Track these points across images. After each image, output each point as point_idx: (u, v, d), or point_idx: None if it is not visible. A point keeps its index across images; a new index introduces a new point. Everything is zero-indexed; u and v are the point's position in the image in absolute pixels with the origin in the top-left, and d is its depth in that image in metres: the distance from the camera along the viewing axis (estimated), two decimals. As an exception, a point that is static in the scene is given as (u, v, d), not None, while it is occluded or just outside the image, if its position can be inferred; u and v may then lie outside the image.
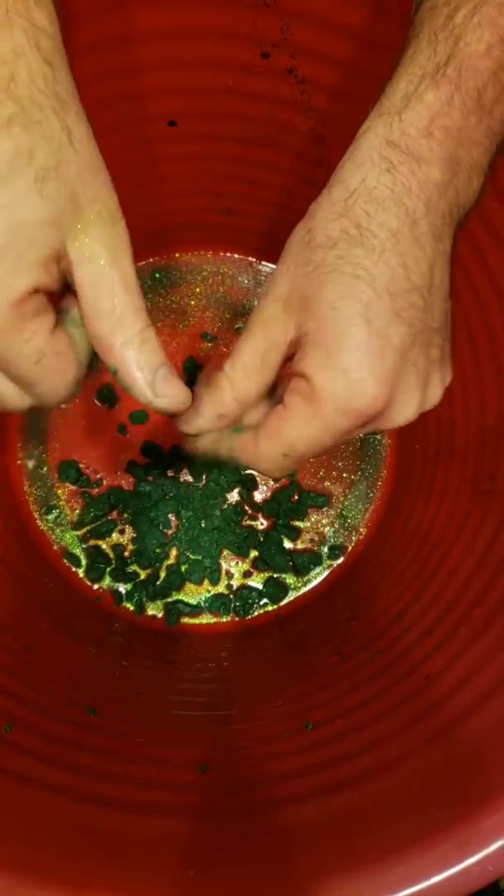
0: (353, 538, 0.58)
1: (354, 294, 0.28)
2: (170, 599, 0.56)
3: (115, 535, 0.57)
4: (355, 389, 0.28)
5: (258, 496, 0.58)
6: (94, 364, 0.30)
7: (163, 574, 0.56)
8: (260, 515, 0.57)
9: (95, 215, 0.26)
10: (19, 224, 0.24)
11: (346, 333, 0.28)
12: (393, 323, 0.28)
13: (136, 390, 0.29)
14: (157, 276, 0.60)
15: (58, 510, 0.57)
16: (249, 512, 0.57)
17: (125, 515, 0.57)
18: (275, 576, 0.56)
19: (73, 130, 0.26)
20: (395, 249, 0.27)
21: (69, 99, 0.26)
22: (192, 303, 0.60)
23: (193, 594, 0.56)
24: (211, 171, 0.51)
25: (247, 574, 0.56)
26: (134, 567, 0.56)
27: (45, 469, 0.58)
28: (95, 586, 0.56)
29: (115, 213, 0.27)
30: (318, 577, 0.57)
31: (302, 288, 0.29)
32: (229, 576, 0.56)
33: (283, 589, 0.56)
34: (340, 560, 0.57)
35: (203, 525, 0.56)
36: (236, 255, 0.60)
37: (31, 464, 0.58)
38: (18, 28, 0.24)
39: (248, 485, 0.57)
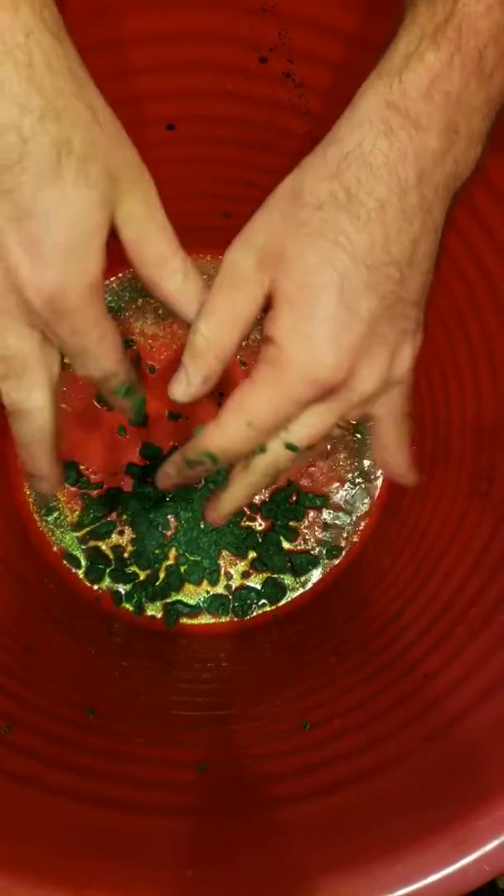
0: (351, 539, 0.58)
1: (332, 262, 0.27)
2: (169, 600, 0.56)
3: (114, 537, 0.57)
4: (319, 359, 0.28)
5: (256, 497, 0.58)
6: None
7: (162, 575, 0.56)
8: (258, 516, 0.57)
9: (128, 181, 0.28)
10: (78, 217, 0.26)
11: (317, 302, 0.28)
12: (365, 295, 0.28)
13: (182, 313, 0.31)
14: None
15: (58, 511, 0.57)
16: (248, 513, 0.57)
17: (125, 517, 0.57)
18: (273, 576, 0.57)
19: (94, 105, 0.26)
20: (381, 220, 0.27)
21: (81, 73, 0.26)
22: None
23: (192, 595, 0.56)
24: (209, 174, 0.51)
25: (245, 575, 0.57)
26: (133, 568, 0.56)
27: (45, 470, 0.58)
28: (95, 587, 0.56)
29: (142, 169, 0.29)
30: (316, 577, 0.57)
31: (280, 244, 0.29)
32: (228, 576, 0.57)
33: (282, 589, 0.56)
34: (338, 561, 0.57)
35: (202, 526, 0.57)
36: (235, 257, 0.60)
37: (30, 465, 0.58)
38: (23, 3, 0.24)
39: (247, 486, 0.57)
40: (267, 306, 0.30)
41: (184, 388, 0.32)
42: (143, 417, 0.57)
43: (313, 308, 0.28)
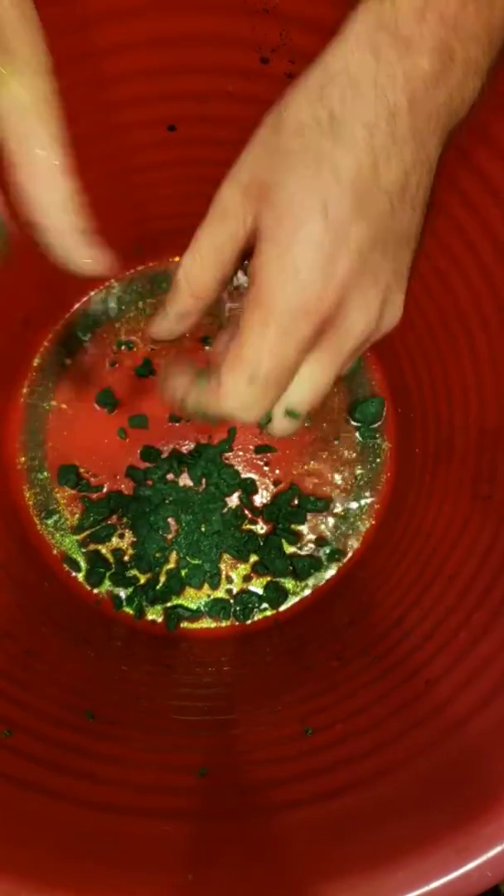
0: (353, 542, 0.58)
1: (316, 187, 0.26)
2: (169, 604, 0.56)
3: (114, 540, 0.57)
4: (307, 288, 0.27)
5: (258, 500, 0.58)
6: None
7: (162, 578, 0.56)
8: (260, 520, 0.57)
9: (24, 62, 0.25)
10: None
11: (301, 228, 0.26)
12: (354, 221, 0.26)
13: (57, 250, 0.28)
14: (157, 281, 0.60)
15: (57, 514, 0.57)
16: (249, 516, 0.57)
17: (125, 520, 0.57)
18: (275, 580, 0.56)
19: None
20: (368, 145, 0.25)
21: None
22: (192, 307, 0.60)
23: (193, 599, 0.56)
24: (210, 176, 0.51)
25: (247, 578, 0.56)
26: (134, 571, 0.56)
27: (45, 473, 0.58)
28: (95, 591, 0.56)
29: (44, 64, 0.25)
30: (318, 581, 0.57)
31: (264, 175, 0.27)
32: (229, 580, 0.56)
33: (283, 593, 0.56)
34: (340, 564, 0.57)
35: (203, 529, 0.56)
36: (236, 260, 0.60)
37: (30, 468, 0.58)
38: None
39: (248, 489, 0.57)
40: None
41: (159, 322, 0.31)
42: (143, 420, 0.57)
43: (296, 237, 0.26)
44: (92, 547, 0.56)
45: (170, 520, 0.57)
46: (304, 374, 0.30)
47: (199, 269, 0.30)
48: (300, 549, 0.57)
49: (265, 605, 0.56)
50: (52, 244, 0.27)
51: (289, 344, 0.28)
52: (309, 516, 0.57)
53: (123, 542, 0.57)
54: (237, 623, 0.56)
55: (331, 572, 0.57)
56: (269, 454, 0.58)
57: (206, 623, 0.56)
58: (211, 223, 0.29)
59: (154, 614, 0.55)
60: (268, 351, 0.28)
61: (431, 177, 0.28)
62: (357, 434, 0.59)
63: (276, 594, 0.56)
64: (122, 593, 0.56)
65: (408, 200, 0.27)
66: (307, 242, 0.26)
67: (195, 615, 0.55)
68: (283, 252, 0.27)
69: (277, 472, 0.58)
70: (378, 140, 0.25)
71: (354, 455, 0.59)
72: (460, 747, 0.33)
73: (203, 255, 0.29)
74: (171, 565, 0.56)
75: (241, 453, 0.58)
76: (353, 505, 0.58)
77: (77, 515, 0.57)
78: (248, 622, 0.56)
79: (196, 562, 0.56)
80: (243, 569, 0.56)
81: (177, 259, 0.60)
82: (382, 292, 0.29)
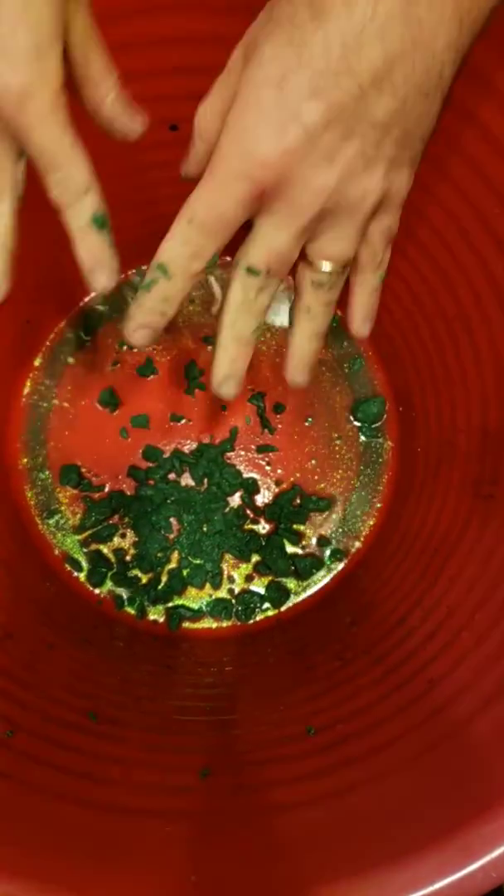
0: (355, 542, 0.58)
1: (281, 57, 0.27)
2: (171, 604, 0.56)
3: (116, 540, 0.57)
4: (248, 150, 0.28)
5: (260, 500, 0.58)
6: None
7: (164, 578, 0.56)
8: (262, 519, 0.57)
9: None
10: (41, 22, 0.26)
11: (256, 96, 0.27)
12: (308, 98, 0.27)
13: (117, 130, 0.33)
14: (159, 280, 0.60)
15: (59, 514, 0.57)
16: (251, 516, 0.57)
17: (126, 520, 0.57)
18: (277, 580, 0.56)
19: None
20: (343, 24, 0.25)
21: None
22: (193, 307, 0.60)
23: (195, 598, 0.56)
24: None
25: (249, 578, 0.56)
26: (135, 571, 0.56)
27: (47, 473, 0.58)
28: (97, 591, 0.56)
29: None
30: (320, 581, 0.57)
31: (257, 37, 0.28)
32: (231, 580, 0.56)
33: (285, 593, 0.56)
34: (342, 564, 0.57)
35: (205, 529, 0.56)
36: (238, 260, 0.60)
37: (32, 468, 0.58)
38: None
39: (250, 489, 0.57)
40: None
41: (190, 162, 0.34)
42: (145, 420, 0.57)
43: (249, 103, 0.28)
44: (94, 547, 0.56)
45: (172, 519, 0.57)
46: (257, 234, 0.32)
47: (210, 115, 0.31)
48: (302, 548, 0.57)
49: (267, 605, 0.56)
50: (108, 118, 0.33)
51: (225, 198, 0.29)
52: (311, 516, 0.57)
53: (125, 541, 0.57)
54: (239, 623, 0.56)
55: (333, 572, 0.57)
56: (270, 454, 0.58)
57: (208, 623, 0.56)
58: (222, 78, 0.31)
59: (156, 614, 0.55)
60: (205, 200, 0.30)
61: (442, 75, 0.27)
62: (359, 434, 0.59)
63: (277, 594, 0.56)
64: (124, 593, 0.56)
65: (387, 89, 0.27)
66: (257, 111, 0.27)
67: (197, 615, 0.55)
68: (239, 115, 0.28)
69: (279, 471, 0.58)
70: (355, 20, 0.25)
71: (356, 455, 0.59)
72: (463, 747, 0.33)
73: (214, 103, 0.31)
74: (173, 565, 0.56)
75: (242, 453, 0.58)
76: (355, 505, 0.58)
77: (79, 515, 0.57)
78: (250, 622, 0.56)
79: (198, 562, 0.56)
80: (245, 569, 0.56)
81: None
82: (341, 171, 0.29)
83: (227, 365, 0.35)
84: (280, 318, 0.60)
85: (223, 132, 0.29)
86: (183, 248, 0.32)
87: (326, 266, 0.33)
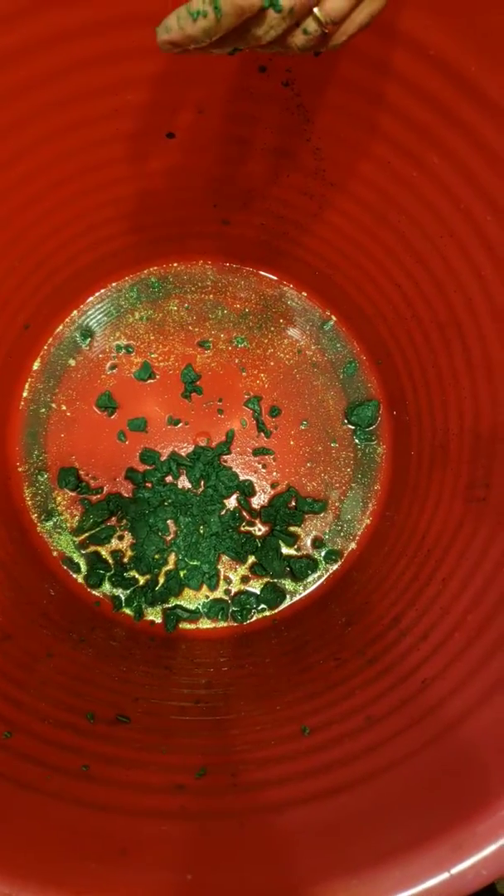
0: (350, 544, 0.58)
1: None
2: (168, 605, 0.56)
3: (114, 542, 0.57)
4: None
5: (256, 502, 0.58)
6: None
7: (161, 580, 0.56)
8: (258, 521, 0.58)
9: None
10: None
11: None
12: None
13: None
14: (156, 285, 0.60)
15: (57, 516, 0.57)
16: (247, 518, 0.58)
17: (124, 522, 0.57)
18: (272, 581, 0.57)
19: None
20: None
21: None
22: (191, 311, 0.60)
23: (192, 600, 0.56)
24: (208, 182, 0.52)
25: (245, 579, 0.57)
26: (133, 573, 0.56)
27: (45, 476, 0.58)
28: (95, 592, 0.56)
29: None
30: (315, 582, 0.57)
31: None
32: (227, 581, 0.57)
33: (281, 594, 0.56)
34: (337, 566, 0.57)
35: (201, 531, 0.57)
36: (234, 265, 0.61)
37: (30, 470, 0.58)
38: None
39: (246, 491, 0.58)
40: None
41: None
42: (142, 423, 0.58)
43: None
44: (91, 548, 0.57)
45: (169, 522, 0.57)
46: None
47: None
48: (297, 550, 0.58)
49: (263, 605, 0.56)
50: None
51: None
52: (306, 518, 0.58)
53: (123, 543, 0.57)
54: (235, 624, 0.56)
55: (328, 573, 0.57)
56: (266, 456, 0.59)
57: (205, 624, 0.56)
58: None
59: (153, 615, 0.56)
60: None
61: None
62: (353, 437, 0.59)
63: (273, 595, 0.56)
64: (122, 594, 0.56)
65: None
66: None
67: (194, 616, 0.56)
68: None
69: (275, 474, 0.59)
70: None
71: (351, 457, 0.59)
72: (456, 746, 0.33)
73: None
74: (170, 566, 0.57)
75: (238, 456, 0.59)
76: (350, 507, 0.58)
77: (77, 517, 0.57)
78: (246, 623, 0.56)
79: (195, 563, 0.56)
80: (241, 570, 0.57)
81: (175, 265, 0.60)
82: None
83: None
84: (273, 320, 0.60)
85: None
86: None
87: None
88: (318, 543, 0.58)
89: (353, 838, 0.30)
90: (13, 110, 0.40)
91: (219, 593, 0.57)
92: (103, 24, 0.38)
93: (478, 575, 0.42)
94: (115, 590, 0.56)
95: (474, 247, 0.43)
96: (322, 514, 0.58)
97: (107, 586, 0.56)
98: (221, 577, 0.57)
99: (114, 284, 0.60)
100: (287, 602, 0.57)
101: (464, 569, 0.44)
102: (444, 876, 0.27)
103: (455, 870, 0.27)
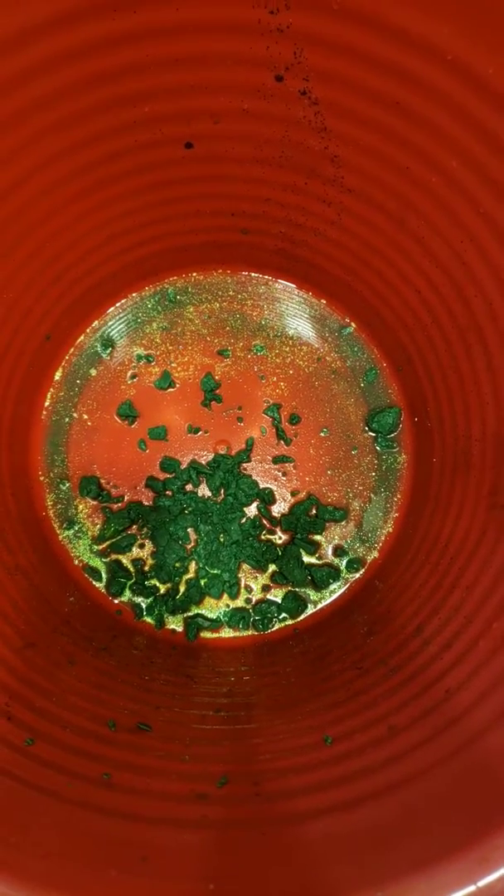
0: (372, 552, 0.58)
1: None
2: (189, 613, 0.56)
3: (135, 550, 0.57)
4: None
5: (276, 511, 0.58)
6: None
7: (182, 588, 0.56)
8: (278, 530, 0.58)
9: None
10: None
11: None
12: None
13: None
14: (175, 295, 0.61)
15: (79, 525, 0.58)
16: (268, 526, 0.58)
17: (145, 530, 0.57)
18: (294, 590, 0.56)
19: None
20: None
21: None
22: (209, 320, 0.61)
23: (213, 608, 0.56)
24: (227, 192, 0.52)
25: (266, 588, 0.57)
26: (154, 581, 0.57)
27: (66, 484, 0.58)
28: (116, 600, 0.56)
29: None
30: (336, 591, 0.57)
31: None
32: (248, 590, 0.57)
33: (303, 603, 0.56)
34: (359, 574, 0.57)
35: (222, 539, 0.57)
36: (252, 274, 0.61)
37: (52, 479, 0.59)
38: None
39: (267, 499, 0.58)
40: None
41: None
42: (163, 431, 0.58)
43: None
44: (112, 557, 0.57)
45: (189, 530, 0.57)
46: None
47: None
48: (318, 558, 0.57)
49: (284, 614, 0.56)
50: None
51: None
52: (327, 526, 0.58)
53: (143, 551, 0.57)
54: (256, 633, 0.56)
55: (349, 582, 0.57)
56: (286, 464, 0.59)
57: (226, 633, 0.56)
58: None
59: (174, 624, 0.56)
60: None
61: None
62: (374, 444, 0.59)
63: (294, 604, 0.56)
64: (143, 603, 0.56)
65: None
66: None
67: (215, 625, 0.56)
68: None
69: (295, 482, 0.58)
70: None
71: (372, 465, 0.59)
72: (480, 757, 0.33)
73: None
74: (191, 575, 0.57)
75: (258, 464, 0.59)
76: (371, 515, 0.58)
77: (98, 526, 0.58)
78: (268, 632, 0.56)
79: (215, 571, 0.56)
80: (262, 579, 0.57)
81: (195, 274, 0.61)
82: None
83: None
84: (292, 327, 0.60)
85: None
86: None
87: None
88: (339, 552, 0.57)
89: (376, 850, 0.30)
90: (32, 125, 0.41)
91: (240, 602, 0.56)
92: (124, 35, 0.39)
93: (502, 582, 0.42)
94: (136, 598, 0.56)
95: (494, 251, 0.43)
96: (343, 523, 0.58)
97: (128, 594, 0.56)
98: (242, 586, 0.57)
99: (134, 295, 0.61)
100: (309, 611, 0.56)
101: (488, 576, 0.43)
102: (471, 888, 0.26)
103: (482, 882, 0.26)
